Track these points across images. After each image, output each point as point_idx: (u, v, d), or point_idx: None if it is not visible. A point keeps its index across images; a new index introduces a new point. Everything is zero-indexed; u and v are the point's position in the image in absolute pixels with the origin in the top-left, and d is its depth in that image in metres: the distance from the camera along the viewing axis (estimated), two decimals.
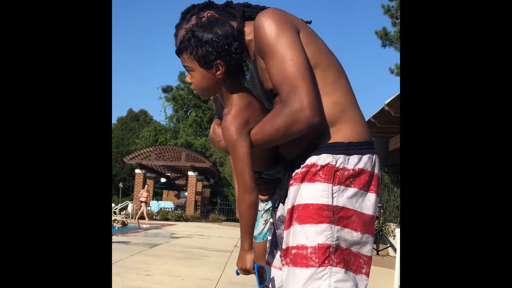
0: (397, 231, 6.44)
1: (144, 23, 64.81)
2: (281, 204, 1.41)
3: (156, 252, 6.92)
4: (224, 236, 11.66)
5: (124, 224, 12.47)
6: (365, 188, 1.28)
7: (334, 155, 1.26)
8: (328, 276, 1.21)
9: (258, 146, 1.31)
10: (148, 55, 65.27)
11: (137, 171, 23.16)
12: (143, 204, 19.65)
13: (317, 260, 1.21)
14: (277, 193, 1.47)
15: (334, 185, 1.24)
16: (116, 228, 11.43)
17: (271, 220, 1.55)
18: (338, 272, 1.22)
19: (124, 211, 21.83)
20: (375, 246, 7.97)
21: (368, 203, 1.29)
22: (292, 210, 1.28)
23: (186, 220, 19.97)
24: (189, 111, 34.18)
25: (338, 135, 1.28)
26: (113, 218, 12.91)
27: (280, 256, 1.34)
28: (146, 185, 21.43)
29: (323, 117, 1.26)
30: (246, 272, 1.35)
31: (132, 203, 21.36)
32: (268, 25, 1.26)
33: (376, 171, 1.32)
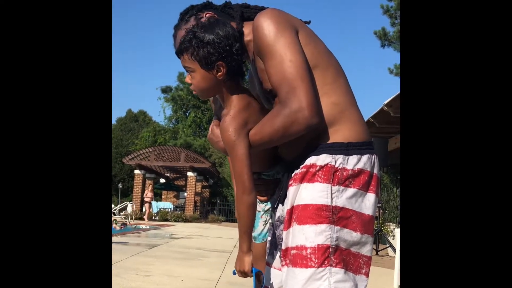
0: (397, 231, 6.43)
1: (144, 23, 64.77)
2: (280, 205, 1.41)
3: (156, 252, 6.91)
4: (224, 236, 11.65)
5: (124, 225, 12.45)
6: (365, 188, 1.28)
7: (333, 156, 1.26)
8: (328, 276, 1.21)
9: (257, 146, 1.31)
10: (148, 56, 65.21)
11: (136, 171, 23.12)
12: (146, 204, 19.69)
13: (316, 260, 1.21)
14: (277, 193, 1.47)
15: (334, 185, 1.24)
16: (116, 229, 11.41)
17: (270, 221, 1.55)
18: (337, 273, 1.22)
19: (123, 211, 21.82)
20: (374, 246, 7.97)
21: (367, 203, 1.29)
22: (292, 210, 1.28)
23: (186, 220, 19.92)
24: (188, 111, 34.14)
25: (337, 135, 1.28)
26: (112, 218, 12.90)
27: (280, 256, 1.34)
28: (150, 185, 21.40)
29: (322, 118, 1.25)
30: (244, 274, 1.34)
31: (131, 203, 21.32)
32: (267, 26, 1.26)
33: (375, 171, 1.31)
